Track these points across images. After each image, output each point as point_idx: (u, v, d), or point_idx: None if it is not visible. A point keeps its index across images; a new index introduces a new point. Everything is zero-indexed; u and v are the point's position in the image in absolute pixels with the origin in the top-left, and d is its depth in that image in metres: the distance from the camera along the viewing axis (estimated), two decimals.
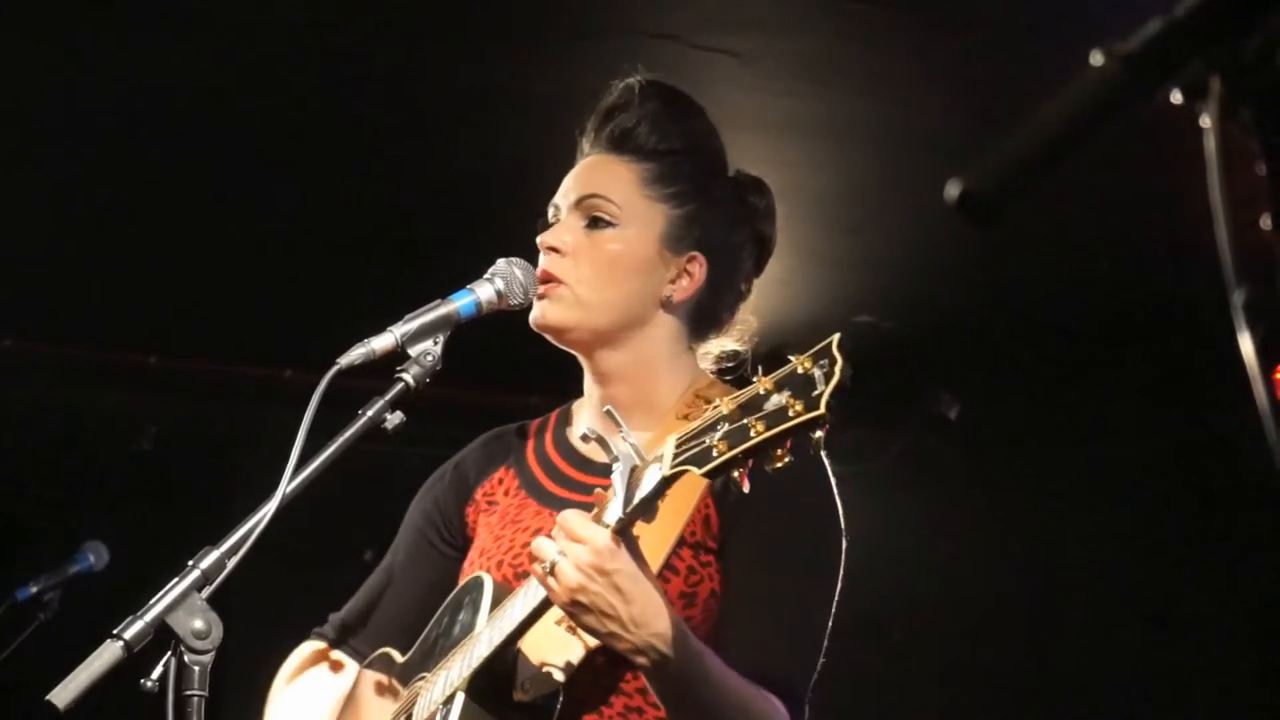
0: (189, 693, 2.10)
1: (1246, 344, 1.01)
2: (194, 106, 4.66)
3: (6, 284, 5.58)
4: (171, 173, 5.04)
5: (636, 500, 2.13)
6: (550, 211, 2.59)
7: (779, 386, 1.99)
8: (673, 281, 2.53)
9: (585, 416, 2.60)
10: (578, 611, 2.18)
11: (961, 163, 1.01)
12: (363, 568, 2.89)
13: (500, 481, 2.65)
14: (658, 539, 2.32)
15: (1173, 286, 5.55)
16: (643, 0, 4.19)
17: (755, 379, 2.04)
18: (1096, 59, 1.00)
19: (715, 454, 2.02)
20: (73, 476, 6.11)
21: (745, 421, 2.00)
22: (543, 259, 2.53)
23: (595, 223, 2.53)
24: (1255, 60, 0.99)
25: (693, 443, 2.06)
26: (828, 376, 1.95)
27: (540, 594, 2.26)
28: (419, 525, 2.72)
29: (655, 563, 2.30)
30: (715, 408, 2.04)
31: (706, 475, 2.03)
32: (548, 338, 2.55)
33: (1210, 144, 0.99)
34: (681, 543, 2.38)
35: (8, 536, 5.88)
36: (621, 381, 2.54)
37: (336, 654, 2.70)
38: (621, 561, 2.14)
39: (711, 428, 2.03)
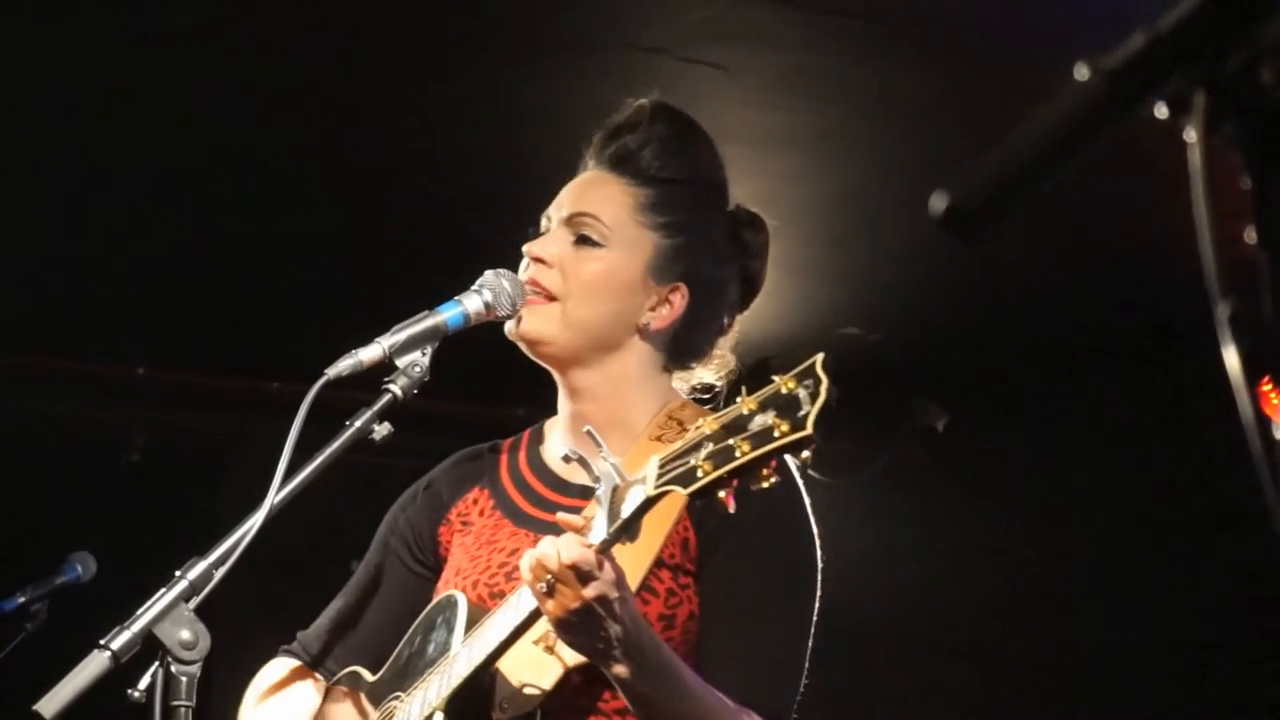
0: (176, 703, 2.10)
1: (1231, 357, 1.01)
2: (182, 119, 4.66)
3: None
4: (158, 185, 5.04)
5: (621, 520, 2.13)
6: (543, 222, 2.58)
7: (763, 406, 2.00)
8: (652, 309, 2.53)
9: (559, 435, 2.59)
10: (568, 630, 2.19)
11: (948, 175, 1.02)
12: (350, 579, 2.89)
13: (475, 501, 2.63)
14: (635, 560, 2.31)
15: (1159, 301, 5.56)
16: (630, 14, 4.20)
17: (739, 399, 2.05)
18: (1081, 73, 1.01)
19: (700, 474, 2.02)
20: (60, 487, 6.10)
21: (730, 442, 2.01)
22: (528, 266, 2.53)
23: (583, 240, 2.52)
24: (1239, 75, 0.99)
25: (676, 463, 2.06)
26: (813, 396, 1.97)
27: (522, 613, 2.26)
28: (390, 544, 2.70)
29: (633, 583, 2.30)
30: (698, 428, 2.05)
31: (693, 495, 2.04)
32: (521, 347, 2.54)
33: (1194, 158, 1.00)
34: (660, 564, 2.38)
35: None
36: (593, 400, 2.54)
37: (305, 671, 2.68)
38: (613, 582, 2.14)
39: (695, 448, 2.04)
